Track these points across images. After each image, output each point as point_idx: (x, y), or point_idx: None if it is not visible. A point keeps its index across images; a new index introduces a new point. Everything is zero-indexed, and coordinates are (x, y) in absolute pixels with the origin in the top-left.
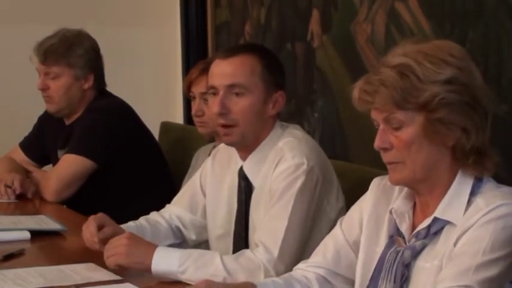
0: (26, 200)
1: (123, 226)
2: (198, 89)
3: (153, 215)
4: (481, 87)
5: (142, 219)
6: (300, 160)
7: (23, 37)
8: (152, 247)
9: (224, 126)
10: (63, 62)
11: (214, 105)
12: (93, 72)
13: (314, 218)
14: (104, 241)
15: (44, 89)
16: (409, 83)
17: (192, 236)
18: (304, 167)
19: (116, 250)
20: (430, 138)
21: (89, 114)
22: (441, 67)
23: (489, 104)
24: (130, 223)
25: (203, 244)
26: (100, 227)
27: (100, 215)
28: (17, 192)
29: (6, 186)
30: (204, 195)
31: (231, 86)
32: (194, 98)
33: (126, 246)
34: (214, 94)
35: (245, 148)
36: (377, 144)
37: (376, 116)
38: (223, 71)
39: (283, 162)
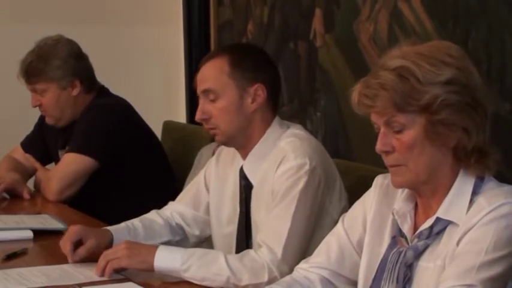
0: (29, 199)
1: (112, 227)
2: None
3: (150, 214)
4: (479, 87)
5: (135, 220)
6: (302, 160)
7: (24, 37)
8: (153, 247)
9: (210, 129)
10: (44, 78)
11: (197, 112)
12: (77, 77)
13: (317, 218)
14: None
15: (38, 105)
16: (409, 86)
17: (195, 232)
18: (307, 167)
19: (116, 254)
20: (431, 140)
21: (89, 112)
22: (440, 68)
23: (488, 103)
24: (122, 224)
25: (205, 243)
26: (77, 243)
27: (77, 228)
28: None
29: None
30: (208, 192)
31: (204, 92)
32: None
33: (127, 249)
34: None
35: (240, 146)
36: (378, 147)
37: (377, 120)
38: (198, 78)
39: (285, 163)
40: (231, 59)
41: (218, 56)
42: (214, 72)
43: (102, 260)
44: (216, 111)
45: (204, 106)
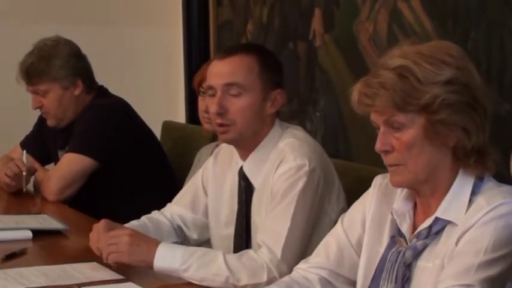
0: (29, 199)
1: (126, 225)
2: None
3: (155, 214)
4: (479, 87)
5: (144, 218)
6: (301, 161)
7: (24, 37)
8: (154, 244)
9: (222, 125)
10: (47, 78)
11: (212, 105)
12: (79, 77)
13: (315, 219)
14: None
15: (39, 107)
16: (409, 85)
17: (193, 235)
18: (306, 168)
19: (118, 248)
20: (431, 140)
21: (88, 112)
22: (440, 68)
23: (488, 103)
24: (134, 222)
25: (205, 244)
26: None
27: (103, 221)
28: (24, 169)
29: (6, 175)
30: (206, 194)
31: (228, 85)
32: (204, 93)
33: (129, 245)
34: (213, 95)
35: (244, 147)
36: (378, 146)
37: (376, 119)
38: (220, 70)
39: (284, 164)
40: (261, 60)
41: (244, 53)
42: (243, 68)
43: (104, 250)
44: (236, 107)
45: (222, 100)
